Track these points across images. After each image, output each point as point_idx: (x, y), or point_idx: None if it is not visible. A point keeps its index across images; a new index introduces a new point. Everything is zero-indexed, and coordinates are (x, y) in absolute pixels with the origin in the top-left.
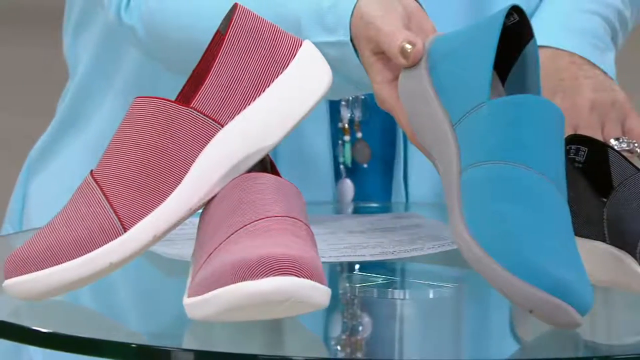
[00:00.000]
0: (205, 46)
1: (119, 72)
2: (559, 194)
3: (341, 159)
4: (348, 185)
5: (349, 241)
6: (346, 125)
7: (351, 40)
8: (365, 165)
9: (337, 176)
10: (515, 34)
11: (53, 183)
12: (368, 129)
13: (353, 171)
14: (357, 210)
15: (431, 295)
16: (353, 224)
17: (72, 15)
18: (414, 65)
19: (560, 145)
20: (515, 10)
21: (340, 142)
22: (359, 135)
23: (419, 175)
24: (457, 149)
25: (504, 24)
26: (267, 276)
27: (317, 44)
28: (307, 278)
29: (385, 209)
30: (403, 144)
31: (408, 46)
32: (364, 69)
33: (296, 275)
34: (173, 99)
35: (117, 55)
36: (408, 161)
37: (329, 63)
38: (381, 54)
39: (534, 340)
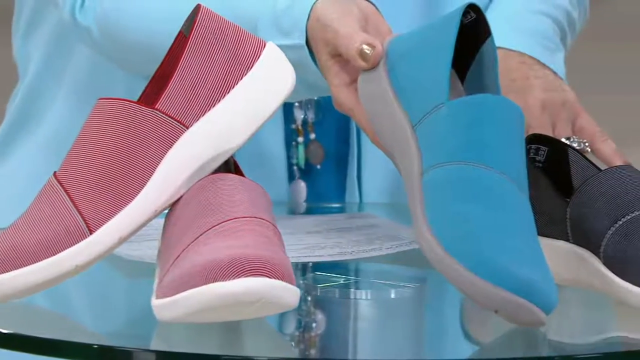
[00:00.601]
0: (161, 49)
1: (71, 71)
2: (520, 193)
3: (294, 160)
4: (301, 186)
5: (307, 242)
6: (299, 127)
7: (307, 43)
8: (318, 167)
9: (291, 177)
10: (473, 32)
11: (6, 185)
12: (321, 130)
13: (306, 172)
14: (310, 211)
15: (393, 295)
16: (310, 225)
17: (22, 15)
18: (373, 67)
19: (521, 144)
20: (471, 8)
21: (294, 143)
22: (313, 136)
23: (373, 173)
24: (418, 150)
25: (461, 22)
26: (239, 277)
27: None
28: (279, 279)
29: (339, 209)
30: (357, 143)
31: (367, 49)
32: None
33: (268, 276)
34: (127, 98)
35: (69, 54)
36: (362, 160)
37: None
38: (338, 57)
39: (495, 340)
